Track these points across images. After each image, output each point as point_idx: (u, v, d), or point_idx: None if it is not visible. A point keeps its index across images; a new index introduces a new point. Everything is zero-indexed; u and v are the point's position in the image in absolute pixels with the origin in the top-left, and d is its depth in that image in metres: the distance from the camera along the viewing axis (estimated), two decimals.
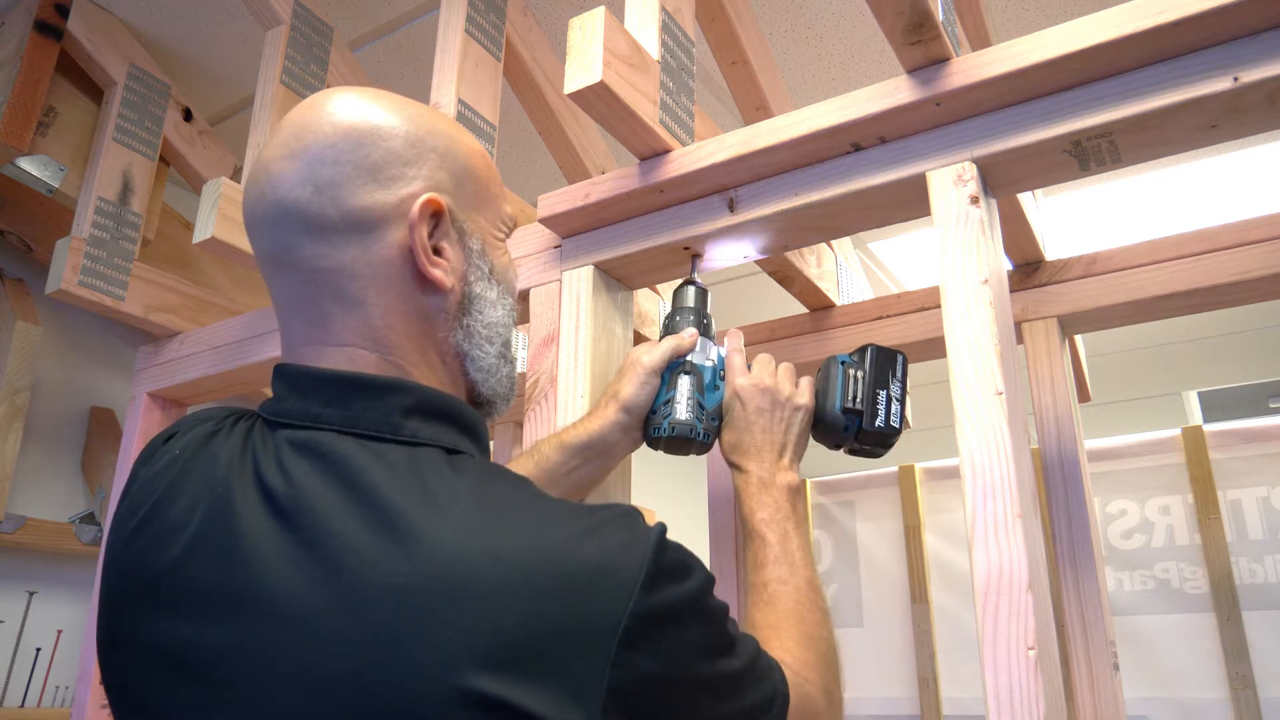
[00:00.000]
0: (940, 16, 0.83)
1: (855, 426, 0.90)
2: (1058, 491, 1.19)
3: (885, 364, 0.91)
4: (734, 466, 0.88)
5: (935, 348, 1.29)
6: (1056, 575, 1.16)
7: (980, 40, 1.29)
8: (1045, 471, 1.21)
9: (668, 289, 1.55)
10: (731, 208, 0.98)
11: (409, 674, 0.47)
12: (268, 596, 0.52)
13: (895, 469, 1.95)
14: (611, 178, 1.02)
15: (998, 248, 0.86)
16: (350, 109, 0.63)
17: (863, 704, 1.86)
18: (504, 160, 2.12)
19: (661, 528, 0.55)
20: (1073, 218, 2.47)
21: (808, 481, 2.29)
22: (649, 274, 1.08)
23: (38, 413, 1.81)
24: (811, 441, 0.93)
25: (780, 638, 0.73)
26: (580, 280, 1.05)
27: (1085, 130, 0.80)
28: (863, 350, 0.92)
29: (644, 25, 1.00)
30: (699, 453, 0.91)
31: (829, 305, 1.40)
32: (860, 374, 0.90)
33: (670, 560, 0.53)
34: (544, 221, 1.07)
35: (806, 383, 0.92)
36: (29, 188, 1.60)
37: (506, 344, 0.68)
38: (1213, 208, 2.38)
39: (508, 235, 0.71)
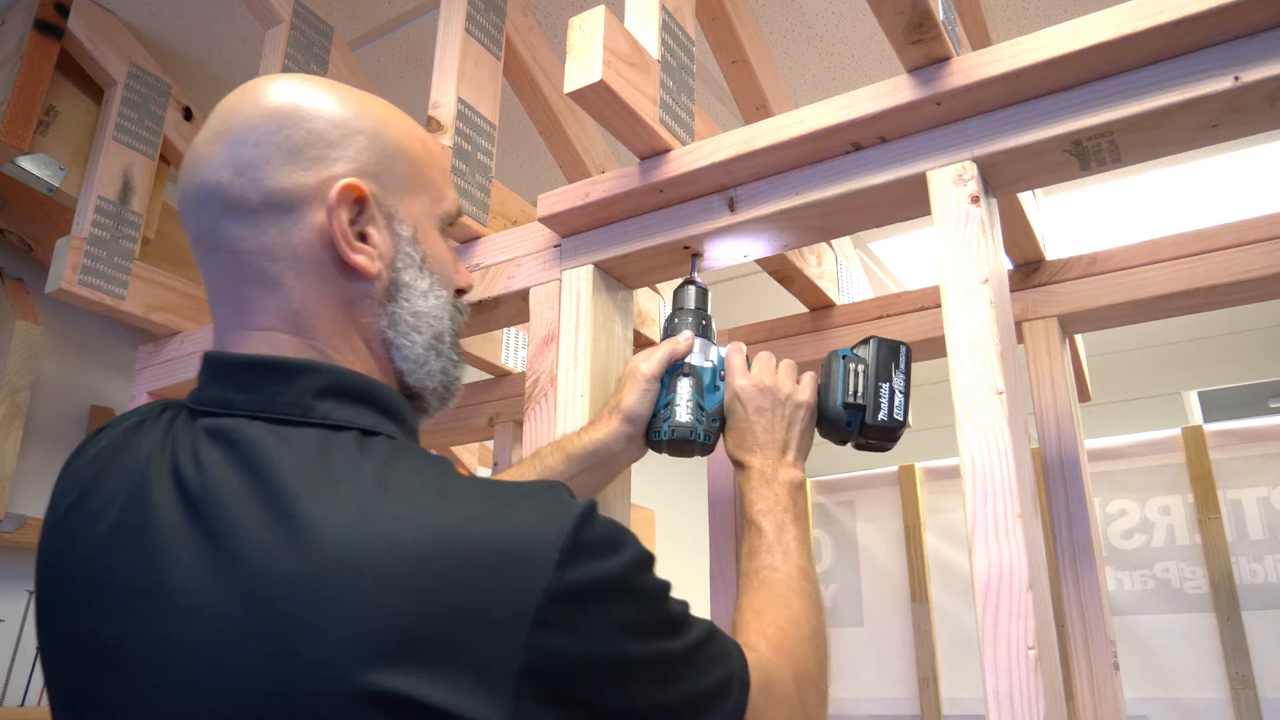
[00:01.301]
0: (940, 16, 0.83)
1: (859, 421, 0.89)
2: (1058, 491, 1.19)
3: (888, 356, 0.90)
4: (737, 464, 0.88)
5: (935, 348, 1.29)
6: (1056, 575, 1.16)
7: (980, 40, 1.29)
8: (1045, 471, 1.21)
9: (668, 288, 1.55)
10: (731, 207, 0.97)
11: (305, 670, 0.46)
12: (175, 588, 0.51)
13: (895, 469, 1.95)
14: (611, 177, 1.02)
15: (998, 247, 0.86)
16: (278, 92, 0.62)
17: (863, 704, 1.86)
18: (504, 160, 2.12)
19: (589, 502, 0.52)
20: (1073, 218, 2.47)
21: (809, 481, 2.28)
22: (649, 273, 1.08)
23: (38, 412, 1.81)
24: (818, 438, 0.92)
25: (761, 622, 0.72)
26: (580, 280, 1.05)
27: (1085, 130, 0.80)
28: (865, 342, 0.92)
29: (644, 24, 1.00)
30: (702, 454, 0.90)
31: (829, 305, 1.40)
32: (862, 367, 0.89)
33: (593, 535, 0.51)
34: (544, 221, 1.07)
35: (809, 379, 0.91)
36: (29, 187, 1.60)
37: (439, 336, 0.66)
38: (1213, 208, 2.38)
39: (451, 224, 0.69)
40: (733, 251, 1.02)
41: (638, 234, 1.03)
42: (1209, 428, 1.65)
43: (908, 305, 1.33)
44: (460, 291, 0.71)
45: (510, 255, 1.14)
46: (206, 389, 0.60)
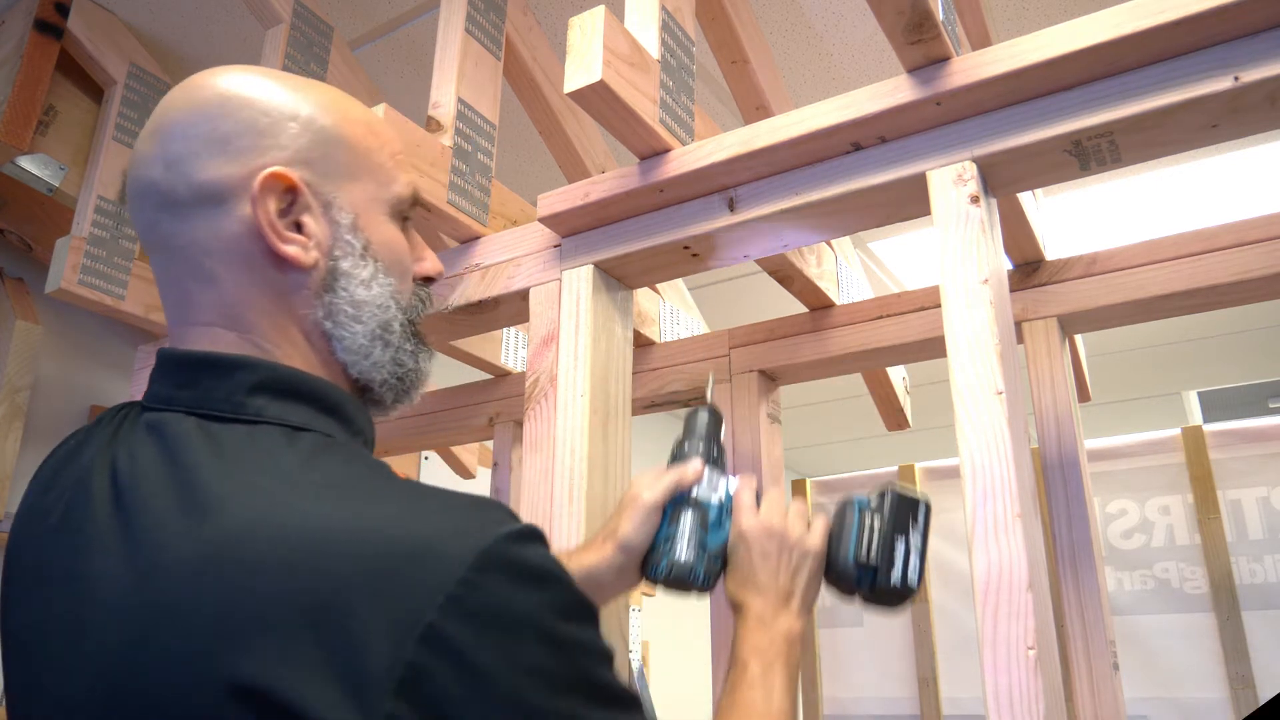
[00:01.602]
0: (940, 16, 0.83)
1: (869, 581, 0.82)
2: (1058, 491, 1.19)
3: (905, 513, 0.84)
4: (735, 607, 0.81)
5: (935, 348, 1.29)
6: (1056, 575, 1.16)
7: (980, 40, 1.29)
8: (1045, 471, 1.21)
9: (668, 288, 1.55)
10: (731, 207, 0.98)
11: (178, 655, 0.45)
12: (93, 579, 0.51)
13: (895, 469, 1.95)
14: (612, 177, 1.02)
15: (998, 247, 0.86)
16: (212, 84, 0.61)
17: (862, 704, 1.86)
18: (504, 160, 2.12)
19: (529, 527, 0.48)
20: (1073, 218, 2.47)
21: (808, 482, 2.28)
22: (649, 273, 1.08)
23: (38, 412, 1.81)
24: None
25: None
26: (580, 280, 1.05)
27: (1085, 130, 0.80)
28: (882, 495, 0.85)
29: (644, 24, 1.01)
30: (699, 596, 0.85)
31: (829, 305, 1.40)
32: (878, 522, 0.83)
33: (516, 559, 0.46)
34: (544, 221, 1.07)
35: (820, 525, 0.84)
36: (29, 187, 1.60)
37: (385, 326, 0.63)
38: (1213, 208, 2.39)
39: (406, 208, 0.66)
40: (733, 251, 1.02)
41: (638, 234, 1.03)
42: (1209, 428, 1.65)
43: (908, 305, 1.33)
44: (429, 280, 0.69)
45: (510, 255, 1.14)
46: (154, 385, 0.60)
